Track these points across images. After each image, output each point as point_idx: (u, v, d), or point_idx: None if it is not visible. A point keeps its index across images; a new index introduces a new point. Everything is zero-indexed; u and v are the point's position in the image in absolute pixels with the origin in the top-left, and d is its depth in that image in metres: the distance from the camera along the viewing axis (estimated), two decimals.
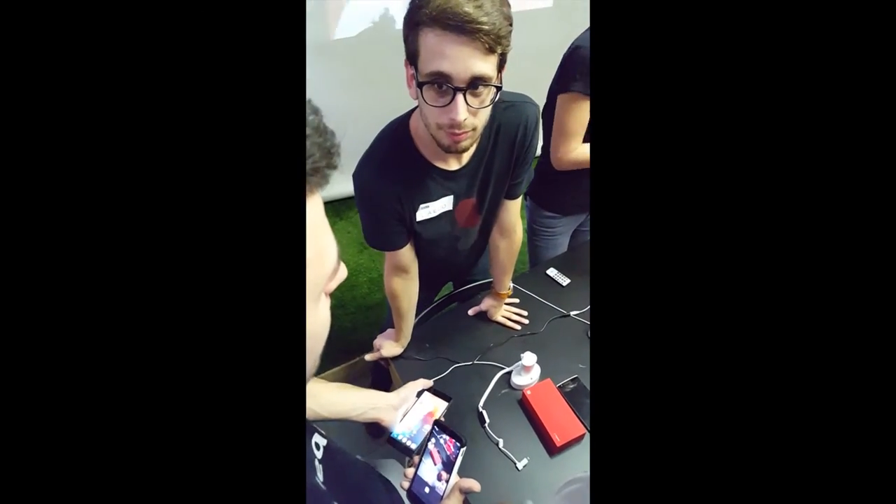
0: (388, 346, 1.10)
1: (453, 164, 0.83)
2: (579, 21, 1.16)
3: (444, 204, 0.88)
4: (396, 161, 0.80)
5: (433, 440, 0.72)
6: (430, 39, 0.61)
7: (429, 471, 0.70)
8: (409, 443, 0.79)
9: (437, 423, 0.74)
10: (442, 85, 0.64)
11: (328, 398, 0.76)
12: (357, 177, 0.81)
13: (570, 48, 1.13)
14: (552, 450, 0.91)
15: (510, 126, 0.83)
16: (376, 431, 1.67)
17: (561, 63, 1.14)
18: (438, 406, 0.85)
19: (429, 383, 0.89)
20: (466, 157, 0.84)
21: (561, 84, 1.08)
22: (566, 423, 0.92)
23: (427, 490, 0.69)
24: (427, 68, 0.63)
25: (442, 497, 0.67)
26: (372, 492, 0.65)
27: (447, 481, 0.68)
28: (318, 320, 0.30)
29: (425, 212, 0.87)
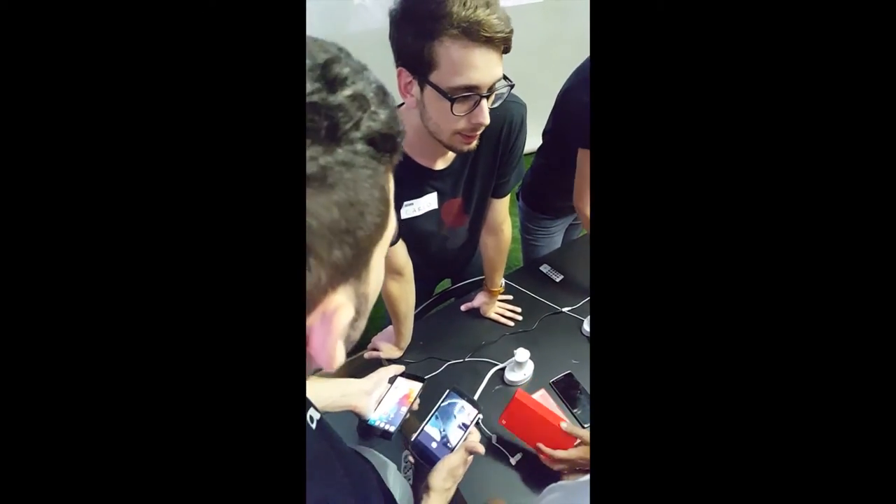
0: (388, 349, 1.09)
1: (438, 164, 0.84)
2: (570, 15, 1.16)
3: (429, 202, 0.88)
4: None
5: (448, 401, 0.75)
6: (455, 51, 0.61)
7: (438, 428, 0.73)
8: (387, 426, 0.78)
9: (454, 389, 0.77)
10: (469, 95, 0.64)
11: None
12: None
13: (562, 90, 1.10)
14: None
15: (494, 125, 0.84)
16: (365, 434, 1.60)
17: (557, 107, 1.13)
18: (413, 388, 0.83)
19: (401, 368, 0.88)
20: (451, 156, 0.84)
21: (573, 136, 1.05)
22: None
23: (434, 445, 0.72)
24: (454, 81, 0.63)
25: (451, 450, 0.69)
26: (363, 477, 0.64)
27: (457, 441, 0.71)
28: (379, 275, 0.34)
29: (410, 209, 0.87)
